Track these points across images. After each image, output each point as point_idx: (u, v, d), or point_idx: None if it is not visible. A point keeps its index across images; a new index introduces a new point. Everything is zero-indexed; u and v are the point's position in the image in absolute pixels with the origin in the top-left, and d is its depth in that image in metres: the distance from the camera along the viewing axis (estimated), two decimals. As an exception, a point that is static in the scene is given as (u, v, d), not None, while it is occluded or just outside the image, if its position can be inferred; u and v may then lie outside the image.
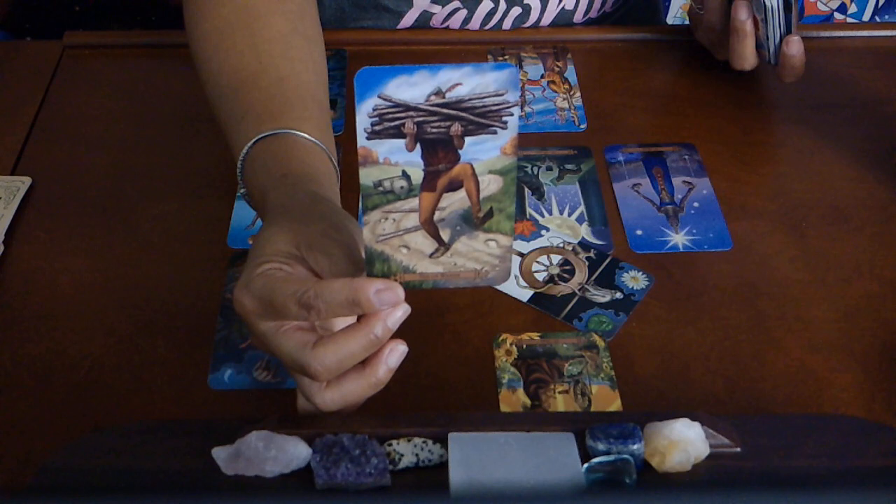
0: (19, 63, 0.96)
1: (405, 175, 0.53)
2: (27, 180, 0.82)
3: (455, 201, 0.54)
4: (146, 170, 0.84)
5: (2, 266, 0.75)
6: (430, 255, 0.56)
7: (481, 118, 0.52)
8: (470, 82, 0.51)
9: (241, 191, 0.68)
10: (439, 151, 0.52)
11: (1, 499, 0.34)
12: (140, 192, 0.82)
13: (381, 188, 0.53)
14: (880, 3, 1.90)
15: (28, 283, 0.74)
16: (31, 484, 0.58)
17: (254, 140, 0.67)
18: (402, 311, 0.55)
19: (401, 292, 0.55)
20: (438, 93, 0.51)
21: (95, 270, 0.75)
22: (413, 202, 0.54)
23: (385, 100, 0.51)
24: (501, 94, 0.51)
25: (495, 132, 0.52)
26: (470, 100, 0.51)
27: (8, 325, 0.71)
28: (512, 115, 0.51)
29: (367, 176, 0.53)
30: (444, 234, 0.55)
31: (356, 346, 0.55)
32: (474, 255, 0.56)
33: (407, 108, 0.51)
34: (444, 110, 0.51)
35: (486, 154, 0.53)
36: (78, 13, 1.53)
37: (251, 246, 0.59)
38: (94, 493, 0.35)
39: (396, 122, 0.51)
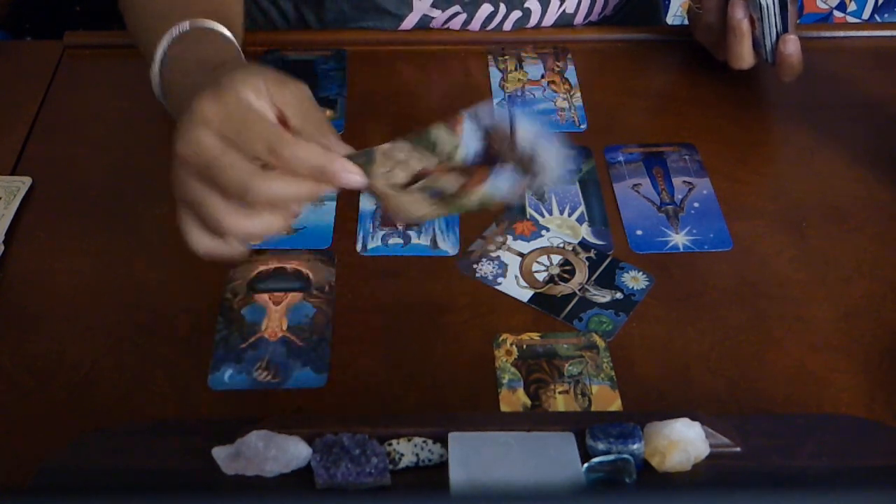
0: (19, 63, 0.96)
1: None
2: (27, 180, 0.82)
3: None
4: (146, 170, 0.84)
5: (2, 266, 0.75)
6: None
7: None
8: None
9: (157, 90, 0.70)
10: None
11: (1, 499, 0.34)
12: (140, 192, 0.82)
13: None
14: (880, 2, 1.90)
15: (28, 283, 0.74)
16: (31, 484, 0.58)
17: (175, 34, 0.69)
18: (357, 182, 0.56)
19: (366, 182, 0.56)
20: None
21: (95, 271, 0.75)
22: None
23: None
24: None
25: None
26: None
27: (8, 325, 0.71)
28: None
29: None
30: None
31: (304, 191, 0.56)
32: None
33: None
34: None
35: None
36: (78, 13, 1.53)
37: (210, 72, 0.61)
38: (94, 493, 0.35)
39: None
